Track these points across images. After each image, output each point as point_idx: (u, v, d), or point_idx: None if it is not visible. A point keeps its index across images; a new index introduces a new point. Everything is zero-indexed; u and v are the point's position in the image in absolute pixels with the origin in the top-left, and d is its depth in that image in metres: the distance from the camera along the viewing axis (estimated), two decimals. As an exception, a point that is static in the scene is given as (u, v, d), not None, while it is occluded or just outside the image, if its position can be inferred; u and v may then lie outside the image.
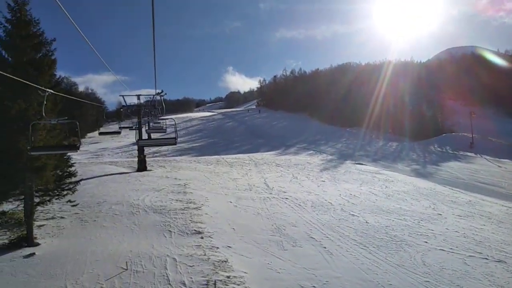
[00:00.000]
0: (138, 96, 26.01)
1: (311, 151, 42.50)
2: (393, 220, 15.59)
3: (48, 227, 12.69)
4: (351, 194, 20.49)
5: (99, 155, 43.25)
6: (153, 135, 28.77)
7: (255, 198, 18.52)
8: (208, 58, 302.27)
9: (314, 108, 78.69)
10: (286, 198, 18.61)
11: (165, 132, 26.29)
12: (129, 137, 57.27)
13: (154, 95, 25.34)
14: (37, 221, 13.02)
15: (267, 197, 18.73)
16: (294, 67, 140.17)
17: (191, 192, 18.88)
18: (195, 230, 12.64)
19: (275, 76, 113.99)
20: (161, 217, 13.98)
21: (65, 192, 13.30)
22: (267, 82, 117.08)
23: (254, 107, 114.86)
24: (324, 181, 24.66)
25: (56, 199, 12.93)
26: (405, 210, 17.48)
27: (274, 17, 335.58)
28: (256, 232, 13.16)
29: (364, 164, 33.45)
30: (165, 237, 12.01)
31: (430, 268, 10.76)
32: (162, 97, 26.36)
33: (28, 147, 9.85)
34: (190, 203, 16.50)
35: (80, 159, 38.17)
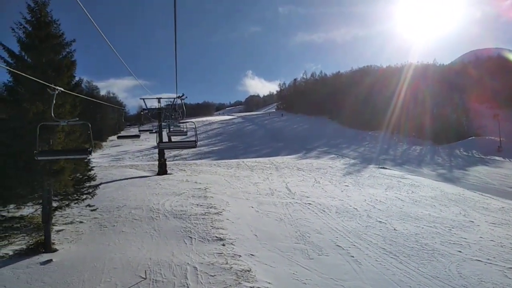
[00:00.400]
0: (159, 99, 25.81)
1: (333, 155, 41.67)
2: (422, 228, 14.79)
3: (66, 232, 12.42)
4: (376, 200, 19.72)
5: (120, 159, 43.47)
6: (174, 138, 28.88)
7: (277, 203, 17.97)
8: (228, 63, 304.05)
9: (335, 111, 77.55)
10: (309, 204, 17.99)
11: (185, 135, 26.18)
12: (150, 140, 57.60)
13: (175, 98, 25.14)
14: (56, 225, 12.79)
15: (290, 202, 18.15)
16: (314, 70, 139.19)
17: (212, 197, 18.46)
18: (216, 237, 12.17)
19: (295, 79, 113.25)
20: (181, 223, 13.57)
21: (84, 197, 13.02)
22: (287, 85, 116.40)
23: (274, 110, 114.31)
24: (347, 185, 23.92)
25: (75, 203, 12.66)
26: (435, 216, 16.63)
27: (293, 21, 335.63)
28: (280, 239, 12.60)
29: (388, 169, 32.51)
30: (186, 243, 11.58)
31: (468, 281, 10.00)
32: (183, 101, 26.19)
33: (35, 151, 8.77)
34: (210, 207, 16.07)
35: (101, 162, 38.37)
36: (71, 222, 13.44)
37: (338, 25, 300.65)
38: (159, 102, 25.90)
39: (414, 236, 13.67)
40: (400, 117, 63.44)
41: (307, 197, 19.71)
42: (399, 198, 20.33)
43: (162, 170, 26.14)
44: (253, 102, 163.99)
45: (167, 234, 12.38)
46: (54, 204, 11.72)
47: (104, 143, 60.47)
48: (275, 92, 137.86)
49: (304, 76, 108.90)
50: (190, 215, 14.53)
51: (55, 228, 12.39)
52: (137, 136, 27.18)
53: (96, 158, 44.65)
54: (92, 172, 14.25)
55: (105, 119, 67.07)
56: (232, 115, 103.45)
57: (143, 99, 25.61)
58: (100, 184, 14.46)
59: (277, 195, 19.99)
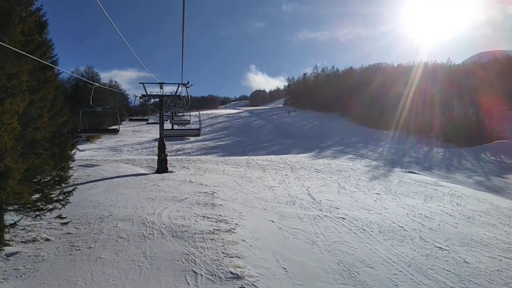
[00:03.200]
0: (161, 84, 22.26)
1: (351, 155, 37.98)
2: (500, 260, 11.15)
3: (21, 257, 8.83)
4: (420, 214, 16.10)
5: (118, 151, 40.01)
6: (177, 129, 26.18)
7: (303, 216, 14.37)
8: (232, 58, 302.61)
9: (346, 108, 73.94)
10: (343, 218, 14.37)
11: (189, 123, 24.03)
12: (152, 132, 54.27)
13: (179, 85, 21.71)
14: (11, 245, 9.29)
15: (318, 216, 14.55)
16: (325, 65, 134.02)
17: (221, 205, 14.91)
18: (231, 273, 8.57)
19: (304, 74, 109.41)
20: (182, 246, 10.00)
21: (50, 206, 9.52)
22: (295, 79, 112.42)
23: (282, 105, 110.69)
24: (379, 193, 20.33)
25: (35, 216, 9.13)
26: (505, 241, 13.00)
27: (297, 18, 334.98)
28: (320, 278, 9.01)
29: (417, 173, 28.86)
30: (188, 284, 8.00)
31: None
32: (187, 89, 22.89)
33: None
34: (220, 221, 12.51)
35: (96, 155, 34.94)
36: (33, 240, 9.87)
37: (342, 24, 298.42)
38: (161, 88, 22.35)
39: (497, 274, 10.05)
40: (416, 117, 59.72)
41: (337, 208, 16.11)
42: (446, 213, 16.71)
43: (162, 167, 22.64)
44: (259, 97, 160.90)
45: (162, 265, 8.81)
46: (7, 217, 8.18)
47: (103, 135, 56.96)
48: (282, 87, 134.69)
49: (315, 71, 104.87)
50: (195, 233, 10.95)
51: (7, 250, 8.88)
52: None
53: (92, 149, 41.26)
54: (65, 173, 10.76)
55: (106, 109, 63.46)
56: (239, 109, 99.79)
57: (143, 83, 22.12)
58: (74, 190, 10.84)
59: (299, 204, 16.40)
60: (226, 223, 12.38)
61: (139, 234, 10.70)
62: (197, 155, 38.39)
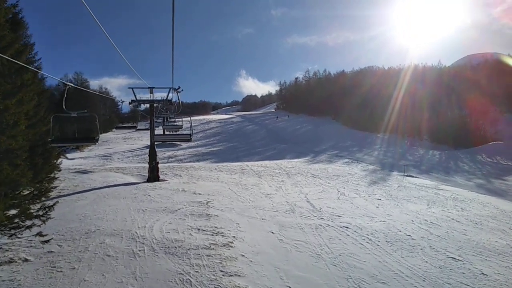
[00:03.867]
0: (151, 89, 21.35)
1: (346, 159, 37.24)
2: (518, 270, 10.43)
3: (-6, 282, 7.89)
4: (426, 220, 15.34)
5: (108, 159, 38.84)
6: (169, 135, 25.52)
7: (304, 225, 13.53)
8: (222, 64, 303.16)
9: (339, 112, 73.38)
10: (346, 227, 13.56)
11: (181, 127, 23.97)
12: (143, 139, 53.21)
13: (170, 89, 20.87)
14: (-16, 268, 8.32)
15: (320, 225, 13.71)
16: (317, 69, 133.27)
17: (217, 215, 14.01)
18: (231, 294, 7.71)
19: (296, 78, 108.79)
20: (176, 264, 9.09)
21: (28, 223, 8.57)
22: (287, 84, 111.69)
23: (274, 110, 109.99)
24: (380, 199, 19.57)
25: (10, 235, 8.18)
26: (519, 249, 12.29)
27: (286, 23, 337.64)
28: (329, 297, 8.17)
29: (416, 177, 28.19)
30: (183, 310, 7.11)
31: None
32: (178, 94, 22.05)
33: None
34: (217, 234, 11.61)
35: (85, 163, 33.82)
36: (10, 261, 8.89)
37: (331, 29, 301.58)
38: (151, 93, 21.43)
39: (518, 286, 9.30)
40: (409, 119, 59.33)
41: (339, 216, 15.30)
42: (452, 219, 15.97)
43: (153, 175, 21.68)
44: (251, 102, 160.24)
45: (154, 287, 7.89)
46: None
47: (93, 141, 55.64)
48: (273, 92, 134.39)
49: (307, 75, 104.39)
50: (189, 249, 10.04)
51: (-21, 274, 7.92)
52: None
53: (81, 158, 40.11)
54: (49, 184, 9.83)
55: (82, 114, 61.89)
56: (231, 114, 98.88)
57: (132, 88, 21.20)
58: (55, 204, 9.85)
59: (299, 212, 15.55)
60: (222, 236, 11.50)
61: (129, 251, 9.77)
62: (190, 161, 37.43)
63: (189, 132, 21.06)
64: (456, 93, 65.41)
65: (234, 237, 11.52)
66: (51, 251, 9.61)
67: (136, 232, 11.28)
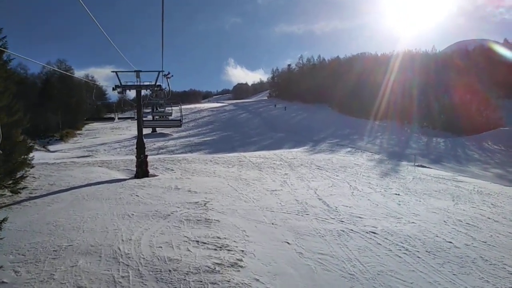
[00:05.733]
0: (138, 72, 18.81)
1: (349, 148, 35.04)
2: None
3: None
4: (460, 221, 13.20)
5: (93, 151, 36.15)
6: (158, 120, 24.33)
7: (323, 232, 11.25)
8: (209, 53, 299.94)
9: (335, 99, 71.11)
10: (374, 233, 11.32)
11: (170, 115, 23.47)
12: (131, 129, 50.58)
13: (159, 72, 18.41)
14: None
15: (342, 230, 11.45)
16: (311, 55, 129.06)
17: (218, 220, 11.68)
18: None
19: (289, 65, 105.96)
20: (171, 298, 6.78)
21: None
22: (280, 71, 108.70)
23: (266, 98, 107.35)
24: (398, 194, 17.41)
25: None
26: None
27: (273, 12, 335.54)
28: None
29: (428, 167, 26.15)
30: None
31: None
32: (168, 79, 19.67)
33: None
34: (220, 248, 9.29)
35: (68, 156, 31.19)
36: None
37: (319, 17, 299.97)
38: (138, 77, 18.89)
39: None
40: (408, 106, 57.39)
41: (360, 217, 13.07)
42: (488, 218, 13.87)
43: (142, 170, 19.23)
44: (242, 90, 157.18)
45: None
46: None
47: (78, 132, 52.76)
48: (263, 80, 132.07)
49: (300, 61, 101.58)
50: (187, 273, 7.70)
51: None
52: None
53: (64, 150, 37.41)
54: (16, 185, 7.44)
55: (81, 104, 58.95)
56: (223, 102, 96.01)
57: (116, 72, 18.63)
58: (4, 220, 7.41)
59: (313, 213, 13.28)
60: (228, 250, 9.18)
61: (108, 279, 7.40)
62: (182, 152, 34.90)
63: (179, 118, 19.70)
64: (458, 79, 63.49)
65: (242, 251, 9.22)
66: (3, 282, 7.20)
67: (119, 248, 8.90)
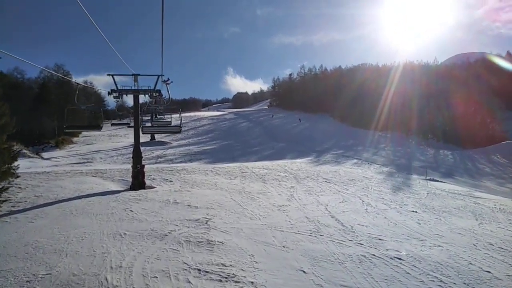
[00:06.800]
0: (136, 76, 17.52)
1: (355, 160, 33.71)
2: None
3: None
4: (491, 245, 11.83)
5: (89, 159, 34.71)
6: (157, 127, 23.10)
7: (342, 257, 9.84)
8: (208, 62, 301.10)
9: (337, 109, 70.03)
10: (399, 259, 9.91)
11: (170, 124, 22.20)
12: (129, 137, 49.11)
13: (158, 76, 17.16)
14: None
15: (362, 255, 10.04)
16: (312, 66, 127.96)
17: (221, 242, 10.27)
18: None
19: (290, 75, 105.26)
20: None
21: None
22: (280, 81, 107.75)
23: (267, 107, 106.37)
24: (415, 211, 16.06)
25: None
26: None
27: (272, 23, 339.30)
28: None
29: (440, 181, 24.82)
30: None
31: None
32: (168, 85, 18.43)
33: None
34: (226, 279, 7.89)
35: (61, 164, 29.76)
36: None
37: (317, 28, 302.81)
38: (135, 81, 17.59)
39: None
40: (411, 117, 56.34)
41: (379, 239, 11.68)
42: (520, 240, 12.49)
43: (138, 182, 17.83)
44: (242, 99, 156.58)
45: None
46: None
47: (75, 139, 51.34)
48: (262, 90, 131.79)
49: (302, 71, 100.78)
50: (189, 315, 6.31)
51: None
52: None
53: (59, 157, 35.99)
54: None
55: (79, 112, 57.45)
56: (223, 111, 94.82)
57: (112, 75, 17.35)
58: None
59: (328, 234, 11.88)
60: (235, 282, 7.78)
61: (89, 323, 5.99)
62: (181, 162, 33.52)
63: (178, 124, 18.66)
64: (459, 91, 62.44)
65: (252, 283, 7.82)
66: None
67: (106, 279, 7.48)
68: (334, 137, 51.40)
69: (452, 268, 9.52)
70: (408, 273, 9.03)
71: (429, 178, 25.19)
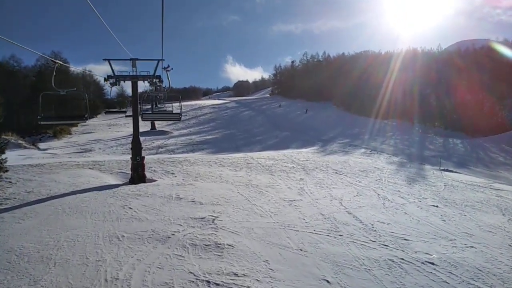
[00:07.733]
0: (134, 61, 16.24)
1: (363, 149, 32.52)
2: None
3: None
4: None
5: (87, 150, 33.55)
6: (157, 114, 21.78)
7: (368, 262, 8.70)
8: (208, 50, 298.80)
9: (341, 97, 68.54)
10: (432, 264, 8.78)
11: (171, 113, 19.93)
12: (129, 126, 47.77)
13: (158, 61, 15.89)
14: None
15: (390, 260, 8.90)
16: (315, 53, 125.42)
17: (231, 245, 9.13)
18: None
19: (293, 62, 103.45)
20: None
21: None
22: (282, 68, 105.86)
23: (269, 95, 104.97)
24: (436, 205, 14.91)
25: None
26: None
27: (271, 11, 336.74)
28: None
29: (455, 171, 23.65)
30: None
31: None
32: (168, 72, 17.19)
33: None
34: (240, 293, 6.76)
35: (58, 155, 28.65)
36: None
37: (317, 16, 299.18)
38: (134, 66, 16.32)
39: None
40: (417, 105, 54.93)
41: (405, 239, 10.53)
42: (559, 239, 11.35)
43: (138, 175, 16.67)
44: (243, 87, 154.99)
45: None
46: None
47: (74, 129, 50.10)
48: (262, 78, 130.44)
49: (304, 58, 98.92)
50: None
51: None
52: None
53: (56, 147, 34.84)
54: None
55: (77, 101, 56.17)
56: (224, 99, 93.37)
57: (108, 60, 16.08)
58: None
59: (347, 233, 10.72)
60: (251, 297, 6.64)
61: None
62: (183, 152, 32.33)
63: (178, 111, 17.01)
64: (466, 79, 60.86)
65: (270, 299, 6.68)
66: None
67: (99, 296, 6.35)
68: (339, 125, 50.15)
69: (494, 275, 8.40)
70: (445, 281, 7.90)
71: (443, 168, 24.01)
